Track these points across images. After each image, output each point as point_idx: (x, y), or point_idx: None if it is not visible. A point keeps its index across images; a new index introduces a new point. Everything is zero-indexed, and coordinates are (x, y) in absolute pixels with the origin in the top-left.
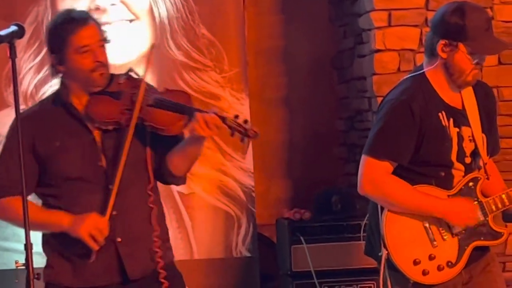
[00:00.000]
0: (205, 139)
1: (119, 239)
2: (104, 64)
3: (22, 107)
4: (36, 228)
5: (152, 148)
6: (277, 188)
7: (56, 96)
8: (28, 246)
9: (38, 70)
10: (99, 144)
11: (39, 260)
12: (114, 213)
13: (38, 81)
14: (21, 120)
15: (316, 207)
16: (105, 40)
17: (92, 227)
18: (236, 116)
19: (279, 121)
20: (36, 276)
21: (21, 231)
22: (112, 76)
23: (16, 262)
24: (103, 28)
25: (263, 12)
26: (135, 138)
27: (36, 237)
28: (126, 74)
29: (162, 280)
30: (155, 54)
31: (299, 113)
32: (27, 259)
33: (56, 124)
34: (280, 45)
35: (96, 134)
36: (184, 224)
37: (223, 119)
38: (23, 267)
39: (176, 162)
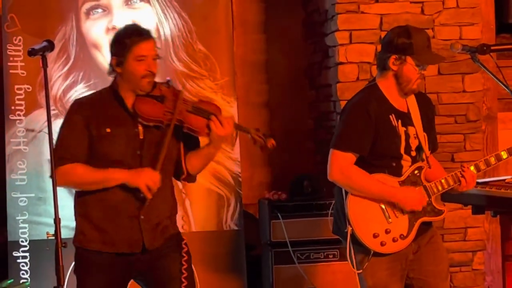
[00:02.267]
0: (222, 142)
1: (142, 217)
2: (153, 74)
3: (52, 108)
4: (94, 185)
5: (184, 146)
6: (260, 174)
7: (112, 90)
8: (56, 221)
9: (66, 78)
10: (141, 136)
11: (66, 232)
12: (142, 194)
13: (65, 87)
14: (81, 103)
15: (291, 189)
16: (158, 56)
17: (148, 178)
18: (258, 129)
19: (262, 120)
20: (63, 244)
21: (51, 208)
22: (155, 84)
23: (47, 234)
24: (158, 46)
25: (248, 32)
26: (172, 137)
27: (64, 213)
28: (167, 83)
29: (183, 245)
30: (161, 65)
31: (278, 114)
32: (56, 231)
33: (110, 113)
34: (262, 59)
35: (140, 128)
36: (184, 203)
37: (247, 131)
38: (53, 238)
39: (194, 162)
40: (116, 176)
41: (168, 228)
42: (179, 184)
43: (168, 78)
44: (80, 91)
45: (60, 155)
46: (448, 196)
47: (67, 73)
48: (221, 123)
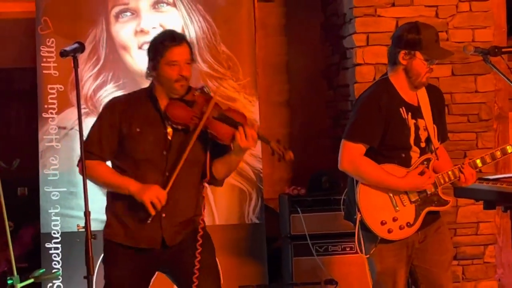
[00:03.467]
0: (244, 152)
1: (163, 215)
2: (186, 78)
3: (83, 107)
4: (108, 187)
5: (211, 152)
6: (280, 170)
7: (148, 91)
8: (86, 214)
9: (96, 78)
10: (169, 137)
11: (95, 225)
12: (176, 196)
13: (96, 87)
14: (116, 101)
15: (310, 185)
16: (192, 60)
17: (154, 195)
18: (278, 141)
19: (282, 119)
20: (93, 236)
21: (82, 202)
22: (190, 88)
23: (78, 226)
24: (192, 50)
25: (269, 34)
26: (198, 141)
27: (93, 206)
28: (201, 89)
29: (199, 238)
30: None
31: (297, 113)
32: (86, 223)
33: (142, 113)
34: (282, 60)
35: (169, 130)
36: (209, 198)
37: (267, 142)
38: (83, 230)
39: (220, 168)
40: (127, 186)
41: (189, 226)
42: None
43: (202, 84)
44: (110, 90)
45: (89, 149)
46: (461, 191)
47: (97, 74)
48: (246, 135)
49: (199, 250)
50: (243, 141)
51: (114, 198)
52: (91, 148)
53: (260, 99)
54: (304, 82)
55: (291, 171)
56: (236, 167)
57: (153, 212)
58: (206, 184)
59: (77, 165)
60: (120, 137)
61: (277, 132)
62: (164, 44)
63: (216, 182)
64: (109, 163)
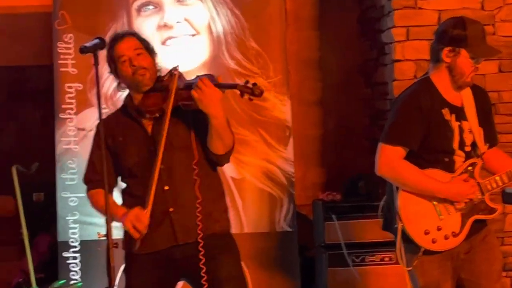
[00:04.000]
0: (209, 109)
1: (171, 209)
2: (143, 67)
3: (103, 106)
4: (111, 217)
5: (196, 130)
6: (313, 174)
7: (125, 102)
8: (108, 220)
9: None
10: (150, 132)
11: (117, 232)
12: (166, 188)
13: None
14: (100, 122)
15: (345, 190)
16: (145, 49)
17: (133, 219)
18: (246, 81)
19: (315, 118)
20: (114, 245)
21: None
22: (159, 77)
23: (98, 234)
24: (142, 39)
25: (302, 29)
26: (181, 123)
27: None
28: (169, 72)
29: (200, 249)
30: (213, 63)
31: (331, 112)
32: (107, 231)
33: (121, 121)
34: (316, 56)
35: (147, 124)
36: (236, 203)
37: (232, 86)
38: (104, 238)
39: (212, 141)
40: (116, 216)
41: (208, 224)
42: (231, 183)
43: (174, 67)
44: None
45: (87, 178)
46: (509, 197)
47: None
48: (198, 86)
49: (202, 261)
50: (199, 94)
51: (127, 203)
52: (89, 176)
53: (292, 98)
54: (339, 80)
55: (325, 175)
56: (224, 132)
57: (136, 235)
58: (231, 186)
59: (87, 194)
60: (112, 156)
61: (309, 133)
62: (110, 47)
63: (218, 158)
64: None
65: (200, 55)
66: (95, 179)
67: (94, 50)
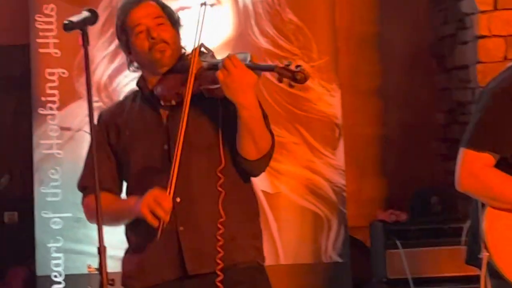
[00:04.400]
0: (237, 97)
1: (181, 228)
2: (164, 41)
3: (95, 99)
4: (115, 219)
5: (225, 126)
6: (370, 186)
7: (136, 89)
8: (101, 249)
9: (112, 59)
10: (164, 121)
11: (113, 264)
12: (177, 199)
13: (112, 71)
14: (100, 114)
15: (413, 208)
16: (170, 20)
17: (152, 202)
18: (288, 63)
19: (373, 113)
20: (110, 281)
21: (94, 233)
22: (182, 56)
23: (89, 267)
24: (163, 5)
25: None
26: (205, 116)
27: (110, 238)
28: (195, 49)
29: (218, 284)
30: (239, 41)
31: (394, 104)
32: (100, 263)
33: (129, 112)
34: (374, 31)
35: (163, 113)
36: (269, 226)
37: (270, 68)
38: (96, 272)
39: (242, 141)
40: (127, 205)
41: (230, 252)
42: (262, 198)
43: (201, 43)
44: (131, 76)
45: (83, 183)
46: None
47: (114, 53)
48: (226, 67)
49: None
50: (225, 76)
51: (127, 229)
52: (85, 181)
53: (343, 86)
54: (403, 62)
55: (387, 188)
56: (258, 130)
57: (155, 222)
58: (263, 202)
59: (82, 203)
60: (115, 155)
61: (365, 132)
62: (121, 13)
63: (250, 165)
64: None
65: (222, 31)
66: (90, 185)
67: (82, 25)
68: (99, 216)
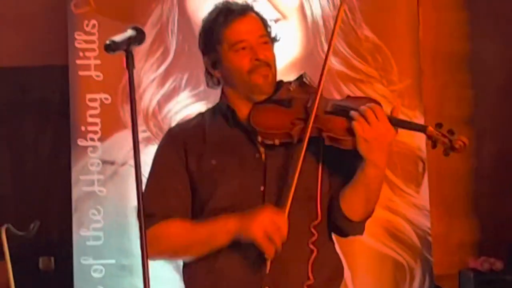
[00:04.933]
0: (375, 156)
1: None
2: (268, 64)
3: (142, 128)
4: (196, 247)
5: (324, 178)
6: (460, 229)
7: (217, 107)
8: None
9: (162, 82)
10: (263, 163)
11: None
12: None
13: (162, 97)
14: (175, 132)
15: (510, 255)
16: (270, 37)
17: (269, 222)
18: (438, 124)
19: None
20: None
21: (140, 282)
22: (281, 83)
23: None
24: (266, 23)
25: (442, 8)
26: (307, 161)
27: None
28: (299, 79)
29: None
30: (307, 62)
31: (488, 134)
32: None
33: (214, 136)
34: (464, 49)
35: (262, 150)
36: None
37: (420, 128)
38: None
39: (352, 199)
40: (224, 228)
41: None
42: (334, 242)
43: (303, 72)
44: (184, 102)
45: (150, 211)
46: None
47: (165, 76)
48: (367, 119)
49: None
50: (366, 129)
51: (194, 275)
52: (153, 209)
53: (427, 113)
54: (499, 85)
55: (479, 232)
56: (376, 192)
57: (271, 252)
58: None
59: (150, 228)
60: (191, 182)
61: (454, 167)
62: (218, 22)
63: (352, 227)
64: None
65: (287, 49)
66: (158, 213)
67: (127, 46)
68: (145, 263)
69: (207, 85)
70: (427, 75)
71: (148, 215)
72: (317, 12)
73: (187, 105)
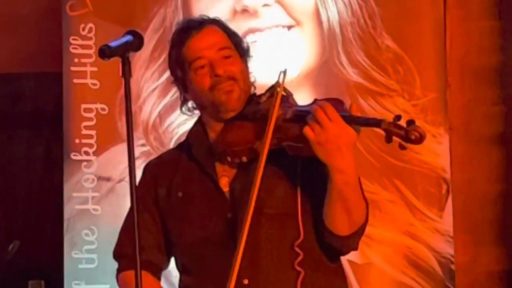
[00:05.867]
0: (333, 160)
1: None
2: (232, 78)
3: (141, 142)
4: None
5: (304, 190)
6: (487, 257)
7: (195, 133)
8: None
9: (164, 92)
10: (227, 192)
11: None
12: (245, 281)
13: (163, 108)
14: (147, 169)
15: None
16: (238, 49)
17: None
18: (397, 117)
19: (492, 165)
20: None
21: None
22: (252, 97)
23: None
24: (230, 32)
25: (472, 16)
26: (280, 176)
27: None
28: (270, 89)
29: None
30: (323, 73)
31: None
32: None
33: (181, 171)
34: (495, 62)
35: (223, 178)
36: None
37: (375, 123)
38: None
39: (328, 211)
40: None
41: None
42: (349, 270)
43: (276, 82)
44: (186, 115)
45: (120, 251)
46: None
47: (167, 85)
48: (318, 120)
49: None
50: (317, 133)
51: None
52: (123, 250)
53: (453, 131)
54: None
55: (508, 260)
56: (354, 199)
57: None
58: (350, 276)
59: (117, 278)
60: (162, 218)
61: (482, 190)
62: (177, 42)
63: (340, 242)
64: None
65: (301, 59)
66: (133, 253)
67: (123, 52)
68: (137, 275)
69: (181, 110)
70: (453, 90)
71: (120, 255)
72: (334, 18)
73: (191, 117)
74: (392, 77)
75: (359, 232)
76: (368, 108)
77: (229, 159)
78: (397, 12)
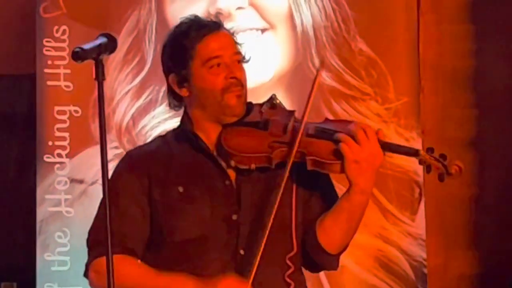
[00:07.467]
0: (364, 182)
1: None
2: (241, 84)
3: (115, 144)
4: None
5: (299, 205)
6: (459, 261)
7: (178, 130)
8: None
9: (138, 95)
10: (235, 190)
11: None
12: None
13: (137, 110)
14: (136, 159)
15: None
16: (241, 56)
17: None
18: (430, 149)
19: (466, 167)
20: None
21: None
22: (250, 105)
23: None
24: (237, 41)
25: (445, 21)
26: (278, 190)
27: None
28: (269, 101)
29: None
30: (296, 76)
31: (492, 159)
32: None
33: (180, 164)
34: (468, 66)
35: (232, 175)
36: None
37: (412, 152)
38: None
39: (329, 228)
40: (182, 286)
41: None
42: (322, 276)
43: (273, 94)
44: (161, 117)
45: (96, 240)
46: None
47: (140, 87)
48: (357, 139)
49: None
50: (355, 150)
51: None
52: (100, 237)
53: (426, 134)
54: (506, 106)
55: (480, 263)
56: (357, 221)
57: None
58: (322, 279)
59: (85, 275)
60: (152, 211)
61: (453, 194)
62: (190, 36)
63: (327, 260)
64: None
65: (274, 62)
66: (122, 234)
67: (96, 54)
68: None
69: (169, 105)
70: (426, 93)
71: (95, 243)
72: (308, 21)
73: (164, 120)
74: (366, 80)
75: (341, 253)
76: (341, 111)
77: (233, 163)
78: (371, 16)
